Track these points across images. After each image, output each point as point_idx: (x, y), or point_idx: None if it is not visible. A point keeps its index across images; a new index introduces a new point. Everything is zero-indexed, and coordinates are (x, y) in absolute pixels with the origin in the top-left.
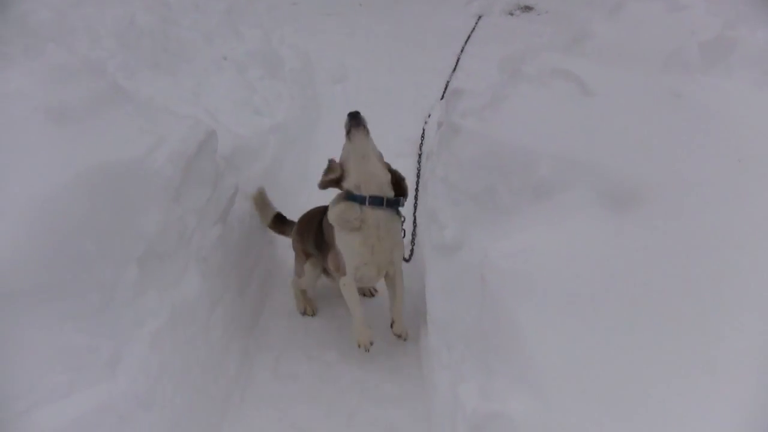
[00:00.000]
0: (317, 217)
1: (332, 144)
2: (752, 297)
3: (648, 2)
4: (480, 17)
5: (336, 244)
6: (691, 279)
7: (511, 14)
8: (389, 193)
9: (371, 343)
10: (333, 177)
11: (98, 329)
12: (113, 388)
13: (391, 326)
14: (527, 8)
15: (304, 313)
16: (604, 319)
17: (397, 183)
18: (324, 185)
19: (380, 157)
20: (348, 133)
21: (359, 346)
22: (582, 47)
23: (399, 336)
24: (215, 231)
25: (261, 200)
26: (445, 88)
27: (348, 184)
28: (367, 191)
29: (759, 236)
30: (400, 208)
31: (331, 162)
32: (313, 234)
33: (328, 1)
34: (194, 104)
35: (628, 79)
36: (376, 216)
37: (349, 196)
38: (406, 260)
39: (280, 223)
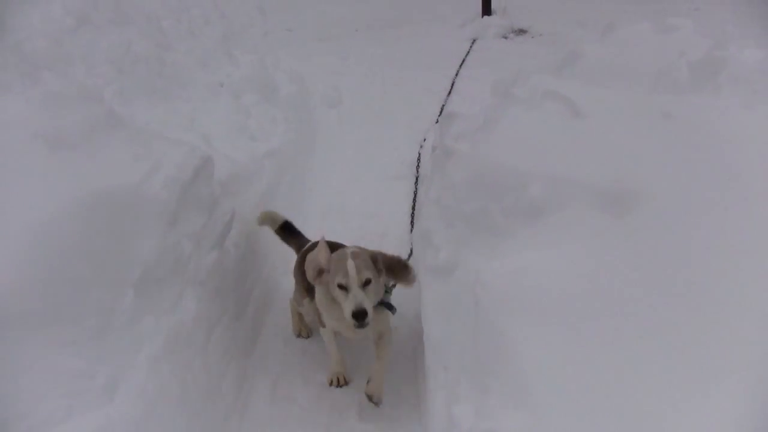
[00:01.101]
0: None
1: (328, 169)
2: (744, 307)
3: (638, 24)
4: (474, 40)
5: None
6: (683, 294)
7: (505, 37)
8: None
9: (339, 382)
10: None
11: (95, 354)
12: (111, 412)
13: (367, 383)
14: (521, 31)
15: (298, 335)
16: (597, 336)
17: (393, 267)
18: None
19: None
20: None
21: (330, 383)
22: (573, 68)
23: (370, 397)
24: (212, 256)
25: (263, 220)
26: (440, 112)
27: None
28: None
29: (750, 250)
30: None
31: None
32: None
33: (322, 26)
34: (190, 130)
35: (618, 99)
36: None
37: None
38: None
39: (288, 232)
